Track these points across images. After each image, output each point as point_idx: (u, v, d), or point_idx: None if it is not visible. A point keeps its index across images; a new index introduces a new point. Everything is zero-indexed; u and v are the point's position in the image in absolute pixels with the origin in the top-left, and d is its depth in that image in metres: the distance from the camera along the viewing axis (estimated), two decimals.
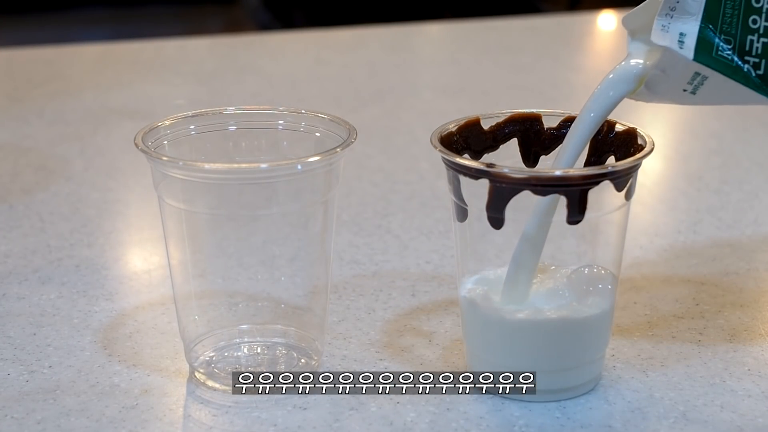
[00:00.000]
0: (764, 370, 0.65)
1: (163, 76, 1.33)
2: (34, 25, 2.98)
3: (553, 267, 0.64)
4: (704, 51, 0.57)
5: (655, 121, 1.17)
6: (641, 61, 0.60)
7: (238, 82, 1.30)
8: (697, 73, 0.58)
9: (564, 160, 0.62)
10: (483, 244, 0.63)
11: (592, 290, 0.62)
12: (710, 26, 0.58)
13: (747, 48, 0.58)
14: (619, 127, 0.64)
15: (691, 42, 0.57)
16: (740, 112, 1.17)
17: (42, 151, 1.04)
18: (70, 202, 0.92)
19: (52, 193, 0.93)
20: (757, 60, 0.58)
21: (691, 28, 0.58)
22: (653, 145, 0.61)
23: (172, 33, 2.01)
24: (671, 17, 0.58)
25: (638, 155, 0.60)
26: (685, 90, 0.59)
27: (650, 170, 0.99)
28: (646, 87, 0.60)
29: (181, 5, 3.24)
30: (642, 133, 0.63)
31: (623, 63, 0.61)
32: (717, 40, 0.58)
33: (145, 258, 0.82)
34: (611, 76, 0.61)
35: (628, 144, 0.63)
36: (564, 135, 0.66)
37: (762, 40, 0.58)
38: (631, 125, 0.64)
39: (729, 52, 0.58)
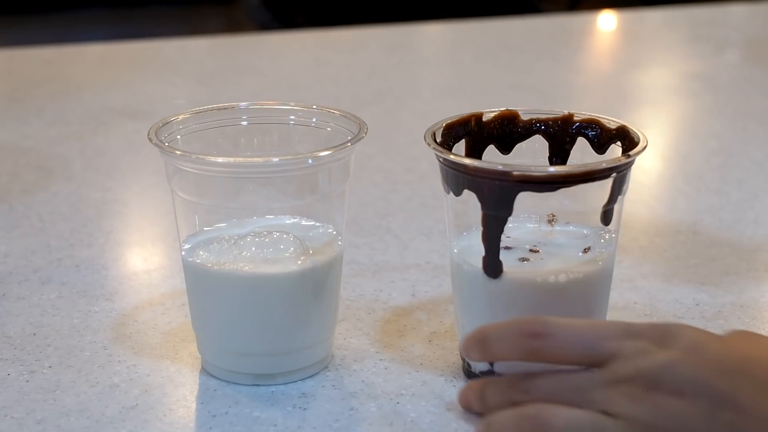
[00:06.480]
0: None
1: (163, 76, 1.33)
2: (34, 25, 2.98)
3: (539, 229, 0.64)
4: None
5: (655, 121, 1.17)
6: None
7: (238, 82, 1.30)
8: None
9: None
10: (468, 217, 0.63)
11: (583, 255, 0.62)
12: None
13: None
14: (612, 124, 0.64)
15: None
16: (740, 112, 1.17)
17: (42, 151, 1.04)
18: (70, 202, 0.92)
19: (52, 193, 0.93)
20: None
21: None
22: (646, 141, 0.61)
23: (172, 33, 2.01)
24: None
25: (635, 151, 0.60)
26: None
27: (650, 170, 0.99)
28: None
29: (181, 5, 3.23)
30: (633, 129, 0.63)
31: None
32: None
33: (145, 258, 0.82)
34: None
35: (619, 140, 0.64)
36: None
37: None
38: (622, 122, 0.64)
39: None
